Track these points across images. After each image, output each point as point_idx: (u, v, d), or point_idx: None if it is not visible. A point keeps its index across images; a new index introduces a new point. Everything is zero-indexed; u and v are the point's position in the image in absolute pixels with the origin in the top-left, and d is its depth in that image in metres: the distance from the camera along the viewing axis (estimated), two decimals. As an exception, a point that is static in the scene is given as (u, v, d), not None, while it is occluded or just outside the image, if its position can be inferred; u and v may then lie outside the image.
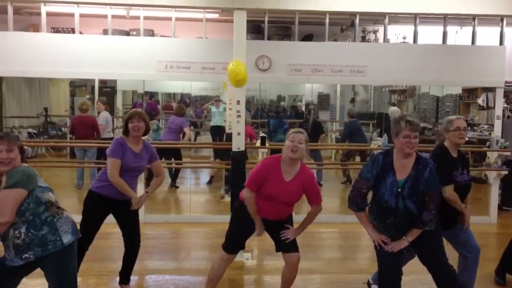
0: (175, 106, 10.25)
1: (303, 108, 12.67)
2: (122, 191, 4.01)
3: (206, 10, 7.33)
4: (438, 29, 7.68)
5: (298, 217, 4.03)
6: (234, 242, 3.91)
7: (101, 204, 4.09)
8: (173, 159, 8.71)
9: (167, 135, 8.74)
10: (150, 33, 8.73)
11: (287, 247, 3.80)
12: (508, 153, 7.16)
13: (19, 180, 2.99)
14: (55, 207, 3.15)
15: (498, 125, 7.32)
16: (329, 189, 9.09)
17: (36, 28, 8.78)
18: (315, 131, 9.00)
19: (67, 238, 3.13)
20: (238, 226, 3.88)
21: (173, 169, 8.85)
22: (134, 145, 4.11)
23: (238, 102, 5.52)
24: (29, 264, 3.12)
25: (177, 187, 8.72)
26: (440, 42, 7.46)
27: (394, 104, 14.15)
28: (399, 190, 3.32)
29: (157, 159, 4.33)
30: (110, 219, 4.22)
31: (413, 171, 3.33)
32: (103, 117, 8.75)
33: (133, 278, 4.61)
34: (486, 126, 9.86)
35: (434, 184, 3.34)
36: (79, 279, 4.50)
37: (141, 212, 6.33)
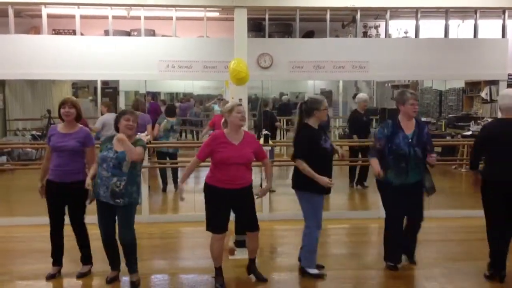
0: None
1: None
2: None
3: (207, 9, 7.33)
4: (440, 23, 7.66)
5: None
6: (216, 222, 4.32)
7: (50, 188, 4.49)
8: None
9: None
10: (151, 33, 8.73)
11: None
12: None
13: (144, 144, 4.33)
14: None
15: (502, 118, 7.28)
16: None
17: (37, 30, 8.80)
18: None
19: (140, 198, 4.39)
20: (214, 207, 4.30)
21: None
22: (66, 128, 4.51)
23: (241, 100, 5.52)
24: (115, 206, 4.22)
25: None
26: (442, 36, 7.43)
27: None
28: (410, 140, 4.53)
29: (90, 146, 4.57)
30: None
31: (416, 128, 4.62)
32: (100, 120, 8.22)
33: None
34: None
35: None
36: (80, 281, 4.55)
37: (145, 211, 6.36)
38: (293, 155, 4.57)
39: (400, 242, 4.76)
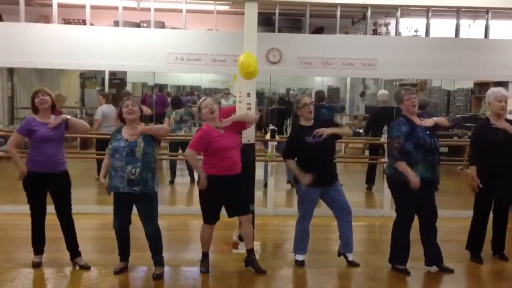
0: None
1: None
2: (14, 161, 4.52)
3: (217, 2, 7.31)
4: (450, 22, 7.60)
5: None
6: (207, 214, 4.65)
7: (36, 181, 4.48)
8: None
9: None
10: (161, 25, 8.72)
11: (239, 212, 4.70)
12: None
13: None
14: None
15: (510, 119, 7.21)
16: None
17: (47, 19, 8.81)
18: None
19: (156, 187, 4.41)
20: (209, 198, 4.59)
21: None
22: (45, 118, 4.50)
23: (249, 94, 5.50)
24: (132, 196, 4.29)
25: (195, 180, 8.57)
26: (453, 35, 7.38)
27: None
28: (427, 132, 4.52)
29: (69, 120, 4.60)
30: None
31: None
32: (100, 111, 8.35)
33: (142, 269, 4.65)
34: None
35: None
36: (92, 269, 4.57)
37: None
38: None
39: (409, 242, 4.74)
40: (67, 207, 4.65)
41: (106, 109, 8.31)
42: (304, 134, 4.74)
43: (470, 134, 9.85)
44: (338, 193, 4.85)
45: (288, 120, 9.71)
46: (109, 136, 4.54)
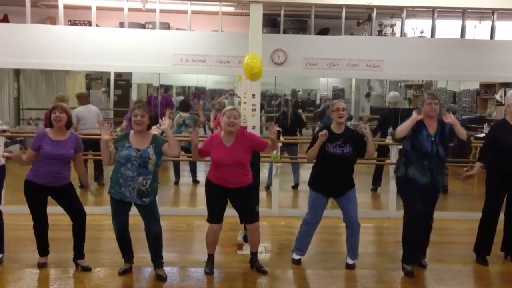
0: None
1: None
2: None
3: (222, 3, 7.32)
4: (456, 23, 7.57)
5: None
6: (211, 214, 4.60)
7: (37, 191, 4.46)
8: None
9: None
10: (166, 26, 8.73)
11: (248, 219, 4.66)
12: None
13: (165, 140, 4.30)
14: None
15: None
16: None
17: (53, 20, 8.85)
18: (295, 124, 8.72)
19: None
20: (210, 200, 4.60)
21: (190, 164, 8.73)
22: (57, 134, 4.43)
23: (253, 95, 5.51)
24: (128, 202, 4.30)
25: (197, 182, 8.61)
26: (459, 36, 7.36)
27: (409, 100, 14.02)
28: (433, 139, 4.58)
29: (81, 151, 4.61)
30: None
31: (439, 128, 4.63)
32: (73, 115, 7.37)
33: (147, 269, 4.65)
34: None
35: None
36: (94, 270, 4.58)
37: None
38: None
39: (421, 241, 4.76)
40: (80, 212, 4.62)
41: (81, 110, 7.97)
42: (327, 140, 4.65)
43: (476, 136, 9.87)
44: (348, 201, 4.80)
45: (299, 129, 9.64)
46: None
